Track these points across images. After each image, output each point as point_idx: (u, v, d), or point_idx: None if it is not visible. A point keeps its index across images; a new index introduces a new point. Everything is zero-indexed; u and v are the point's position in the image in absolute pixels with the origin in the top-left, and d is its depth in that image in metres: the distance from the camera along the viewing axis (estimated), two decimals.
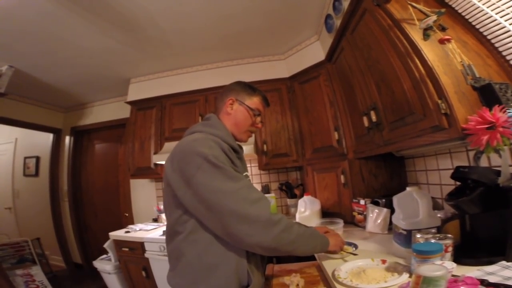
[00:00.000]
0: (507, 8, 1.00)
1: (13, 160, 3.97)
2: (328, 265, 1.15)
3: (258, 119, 1.08)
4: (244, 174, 0.99)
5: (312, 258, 1.45)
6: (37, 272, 2.80)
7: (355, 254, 1.21)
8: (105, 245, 2.41)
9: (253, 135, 2.39)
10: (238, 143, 1.07)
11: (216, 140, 0.87)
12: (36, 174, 3.77)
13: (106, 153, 3.56)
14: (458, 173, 1.00)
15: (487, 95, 0.94)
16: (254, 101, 1.06)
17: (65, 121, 3.65)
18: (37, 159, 3.77)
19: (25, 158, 3.87)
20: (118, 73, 2.72)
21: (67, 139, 3.58)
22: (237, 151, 0.99)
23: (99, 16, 1.77)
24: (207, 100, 2.57)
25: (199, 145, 0.84)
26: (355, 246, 1.30)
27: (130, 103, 2.81)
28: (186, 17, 1.90)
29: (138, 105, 2.77)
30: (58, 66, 2.43)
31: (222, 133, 0.96)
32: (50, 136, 3.58)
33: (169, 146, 2.49)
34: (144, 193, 3.09)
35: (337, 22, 1.75)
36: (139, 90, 2.81)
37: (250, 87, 1.09)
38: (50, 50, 2.14)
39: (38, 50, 2.11)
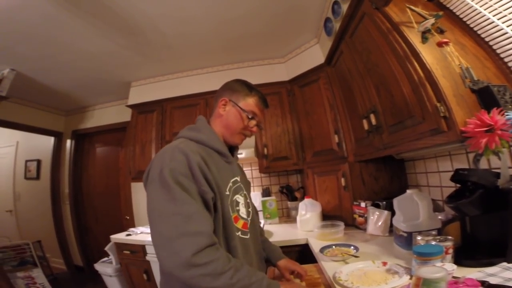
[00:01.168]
0: (504, 11, 1.01)
1: (14, 163, 3.98)
2: (329, 267, 1.15)
3: (253, 122, 1.00)
4: (232, 179, 0.93)
5: (313, 260, 1.45)
6: (38, 274, 2.80)
7: (356, 257, 1.22)
8: (106, 248, 2.41)
9: (254, 138, 2.41)
10: (234, 145, 1.03)
11: (186, 150, 0.79)
12: (37, 177, 3.78)
13: (107, 156, 3.57)
14: (458, 176, 1.00)
15: (486, 98, 0.94)
16: (248, 103, 0.99)
17: (66, 125, 3.67)
18: (38, 162, 3.79)
19: (26, 161, 3.89)
20: (119, 76, 2.74)
21: (68, 142, 3.60)
22: (224, 155, 0.93)
23: (100, 19, 1.79)
24: (207, 104, 2.58)
25: (163, 156, 0.80)
26: (356, 249, 1.30)
27: (131, 106, 2.82)
28: (186, 21, 1.92)
29: (139, 109, 2.79)
30: (59, 69, 2.44)
31: (206, 137, 0.91)
32: (51, 140, 3.59)
33: None
34: (145, 196, 3.07)
35: (336, 25, 1.76)
36: (140, 94, 2.82)
37: (247, 87, 1.03)
38: (52, 54, 2.16)
39: (39, 53, 2.13)
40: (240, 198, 0.95)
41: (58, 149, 3.60)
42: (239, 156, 2.23)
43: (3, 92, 2.29)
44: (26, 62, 2.25)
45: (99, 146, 3.63)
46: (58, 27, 1.82)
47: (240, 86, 1.02)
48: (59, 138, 3.61)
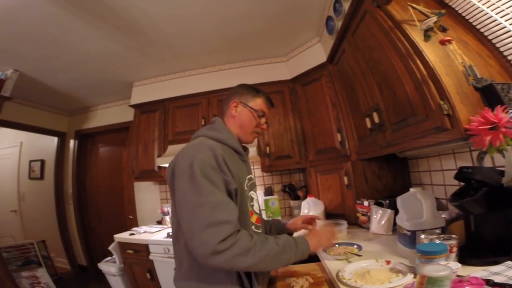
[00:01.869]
0: (507, 8, 1.00)
1: (18, 163, 4.01)
2: (332, 266, 1.16)
3: (263, 120, 1.08)
4: (248, 176, 1.00)
5: (316, 259, 1.45)
6: (42, 274, 2.83)
7: (359, 255, 1.21)
8: (110, 247, 2.43)
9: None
10: (244, 145, 1.10)
11: (212, 145, 0.86)
12: (41, 177, 3.80)
13: (110, 156, 3.59)
14: (461, 174, 1.00)
15: (489, 96, 0.94)
16: (257, 103, 1.07)
17: (70, 125, 3.69)
18: (42, 162, 3.81)
19: (30, 161, 3.91)
20: (122, 76, 2.75)
21: (72, 142, 3.62)
22: (241, 153, 1.00)
23: (102, 20, 1.79)
24: (209, 103, 2.58)
25: (190, 151, 0.85)
26: (359, 247, 1.30)
27: (134, 106, 2.83)
28: (188, 21, 1.92)
29: (142, 108, 2.80)
30: (62, 70, 2.45)
31: (225, 136, 0.97)
32: (54, 140, 3.61)
33: (173, 149, 2.51)
34: (148, 196, 3.11)
35: (338, 23, 1.76)
36: (142, 94, 2.84)
37: (253, 89, 1.10)
38: (54, 54, 2.17)
39: (42, 54, 2.14)
40: (254, 195, 1.03)
41: (61, 149, 3.62)
42: None
43: (6, 93, 2.30)
44: (29, 63, 2.26)
45: (102, 146, 3.65)
46: (61, 28, 1.83)
47: (247, 89, 1.10)
48: (63, 138, 3.63)
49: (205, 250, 0.71)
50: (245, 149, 1.11)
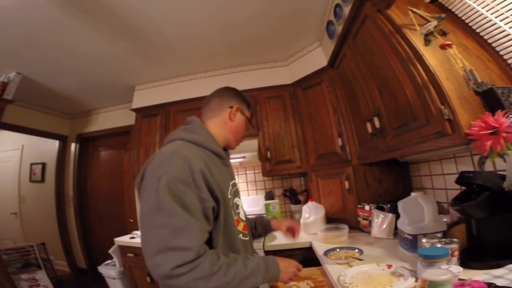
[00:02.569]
0: (506, 12, 1.01)
1: (19, 166, 4.02)
2: (334, 270, 1.15)
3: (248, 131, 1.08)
4: (231, 182, 0.93)
5: (317, 263, 1.44)
6: (42, 276, 2.82)
7: (360, 259, 1.21)
8: (110, 251, 2.42)
9: (257, 141, 2.41)
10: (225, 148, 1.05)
11: (188, 155, 0.76)
12: (42, 180, 3.81)
13: (111, 159, 3.59)
14: (463, 178, 1.00)
15: (490, 100, 0.94)
16: (250, 113, 1.07)
17: (71, 128, 3.70)
18: (43, 165, 3.82)
19: (32, 164, 3.92)
20: (123, 80, 2.77)
21: (73, 145, 3.63)
22: (223, 157, 0.93)
23: (104, 23, 1.81)
24: None
25: (161, 161, 0.76)
26: (361, 251, 1.30)
27: (135, 110, 2.84)
28: (189, 25, 1.94)
29: (143, 112, 2.81)
30: (64, 73, 2.47)
31: (204, 139, 0.89)
32: (56, 143, 3.62)
33: None
34: None
35: (339, 28, 1.77)
36: (144, 97, 2.85)
37: (247, 99, 1.10)
38: (57, 58, 2.19)
39: (44, 57, 2.16)
40: (239, 201, 0.97)
41: (62, 152, 3.63)
42: (241, 159, 2.26)
43: (9, 96, 2.32)
44: (31, 66, 2.28)
45: (104, 150, 3.66)
46: (63, 32, 1.85)
47: (243, 98, 1.08)
48: (64, 142, 3.64)
49: (159, 273, 0.67)
50: (227, 154, 1.05)
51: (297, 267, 0.92)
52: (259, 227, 1.23)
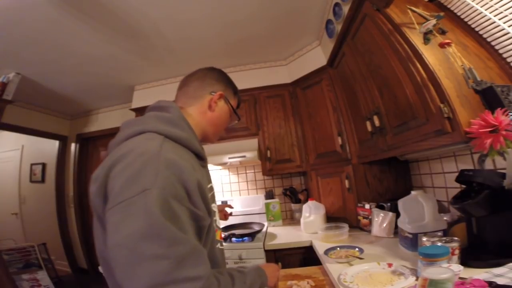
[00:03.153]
0: (505, 11, 1.01)
1: (19, 166, 4.02)
2: (334, 269, 1.15)
3: (234, 124, 0.90)
4: (209, 186, 0.76)
5: (317, 262, 1.45)
6: (43, 277, 2.82)
7: (361, 258, 1.21)
8: None
9: (257, 141, 2.41)
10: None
11: (178, 161, 0.59)
12: (43, 180, 3.81)
13: None
14: (463, 177, 1.00)
15: (489, 98, 0.94)
16: (236, 103, 0.90)
17: (71, 128, 3.70)
18: (43, 165, 3.82)
19: (32, 164, 3.92)
20: (123, 80, 2.76)
21: (73, 146, 3.62)
22: (203, 159, 0.76)
23: (103, 24, 1.81)
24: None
25: (138, 165, 0.55)
26: (361, 250, 1.30)
27: (135, 110, 2.84)
28: (189, 25, 1.94)
29: (142, 112, 2.75)
30: (63, 73, 2.47)
31: (187, 136, 0.70)
32: (56, 143, 3.62)
33: None
34: None
35: (338, 27, 1.77)
36: (143, 97, 2.85)
37: (233, 85, 0.90)
38: (56, 58, 2.18)
39: (44, 57, 2.15)
40: (215, 207, 0.80)
41: (63, 152, 3.62)
42: (241, 159, 2.26)
43: (8, 96, 2.32)
44: (31, 67, 2.28)
45: (104, 150, 3.65)
46: (63, 32, 1.84)
47: (230, 82, 0.89)
48: (64, 142, 3.64)
49: None
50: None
51: (278, 270, 0.88)
52: None
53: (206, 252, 0.59)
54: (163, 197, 0.52)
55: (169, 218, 0.52)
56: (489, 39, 1.11)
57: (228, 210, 1.30)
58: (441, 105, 0.97)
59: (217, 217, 0.80)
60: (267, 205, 2.39)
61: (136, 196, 0.52)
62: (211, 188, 0.79)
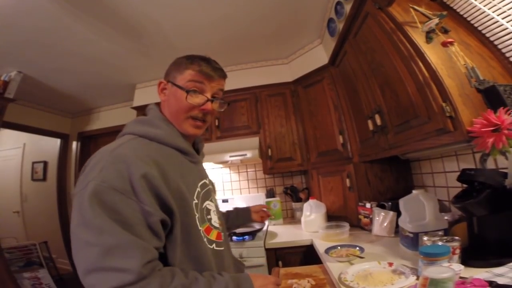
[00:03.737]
0: (508, 10, 1.00)
1: (21, 165, 4.03)
2: (335, 268, 1.15)
3: (197, 98, 0.76)
4: (200, 183, 0.77)
5: (318, 261, 1.45)
6: (44, 275, 2.83)
7: (361, 257, 1.21)
8: None
9: (258, 139, 2.41)
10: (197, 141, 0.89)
11: (129, 156, 0.61)
12: (44, 178, 3.82)
13: None
14: (464, 176, 1.00)
15: (492, 97, 0.94)
16: (184, 76, 0.76)
17: (72, 127, 3.70)
18: (45, 164, 3.83)
19: (33, 163, 3.93)
20: (124, 78, 2.77)
21: (74, 144, 3.63)
22: (188, 153, 0.77)
23: (105, 22, 1.81)
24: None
25: (96, 162, 0.61)
26: (362, 249, 1.30)
27: (136, 108, 2.84)
28: (190, 23, 1.94)
29: (144, 111, 2.79)
30: (65, 71, 2.47)
31: (162, 132, 0.72)
32: (57, 142, 3.62)
33: None
34: None
35: (340, 26, 1.77)
36: (145, 96, 2.85)
37: (187, 59, 0.79)
38: (57, 56, 2.18)
39: (45, 56, 2.15)
40: (211, 205, 0.80)
41: (64, 151, 3.63)
42: (242, 157, 2.26)
43: (10, 95, 2.32)
44: (32, 65, 2.28)
45: None
46: (64, 30, 1.84)
47: (180, 59, 0.81)
48: (65, 140, 3.65)
49: None
50: (201, 145, 0.90)
51: (275, 283, 0.75)
52: (241, 219, 1.22)
53: (156, 248, 0.60)
54: (99, 189, 0.56)
55: (104, 208, 0.55)
56: (492, 38, 1.11)
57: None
58: (443, 104, 0.97)
59: (212, 215, 0.79)
60: (268, 203, 2.39)
61: (81, 190, 0.57)
62: (205, 185, 0.79)
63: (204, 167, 0.90)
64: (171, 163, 0.69)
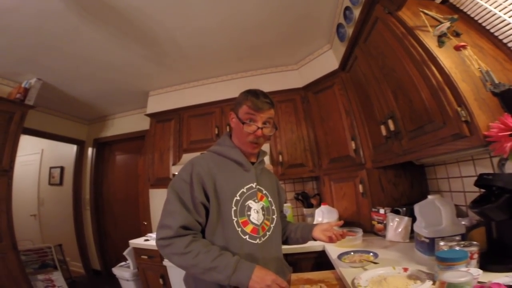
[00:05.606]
0: None
1: (39, 169, 4.17)
2: (348, 273, 1.14)
3: (250, 128, 0.99)
4: (248, 186, 0.99)
5: (330, 267, 1.43)
6: (57, 277, 2.90)
7: (375, 263, 1.19)
8: (125, 253, 2.47)
9: (269, 145, 2.42)
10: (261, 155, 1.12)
11: (195, 161, 0.98)
12: (60, 183, 3.94)
13: (126, 163, 3.68)
14: (482, 181, 0.98)
15: (509, 101, 0.92)
16: (242, 110, 1.02)
17: (88, 133, 3.82)
18: (62, 169, 3.95)
19: (51, 168, 4.06)
20: (138, 86, 2.85)
21: (90, 150, 3.74)
22: (240, 164, 1.02)
23: (120, 31, 1.88)
24: (223, 112, 2.63)
25: (182, 167, 1.00)
26: (375, 255, 1.28)
27: (150, 115, 2.91)
28: (202, 32, 1.99)
29: (157, 117, 2.87)
30: (81, 79, 2.57)
31: (224, 149, 1.04)
32: (74, 148, 3.75)
33: (187, 157, 2.56)
34: (162, 203, 3.14)
35: (349, 31, 1.78)
36: (158, 103, 2.92)
37: (245, 94, 1.04)
38: (74, 64, 2.28)
39: (63, 64, 2.25)
40: (253, 204, 0.99)
41: (80, 156, 3.75)
42: None
43: (30, 101, 2.42)
44: (51, 73, 2.38)
45: (119, 154, 3.76)
46: (81, 39, 1.93)
47: (240, 96, 1.06)
48: (82, 146, 3.77)
49: (157, 242, 0.90)
50: (259, 158, 1.10)
51: (275, 281, 0.82)
52: (299, 233, 1.17)
53: (193, 218, 0.91)
54: (177, 179, 0.96)
55: (173, 190, 0.94)
56: (505, 41, 1.09)
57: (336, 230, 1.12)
58: (459, 109, 0.96)
59: (252, 213, 0.98)
60: None
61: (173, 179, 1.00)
62: (251, 188, 1.01)
63: (263, 175, 1.11)
64: (222, 169, 0.99)
